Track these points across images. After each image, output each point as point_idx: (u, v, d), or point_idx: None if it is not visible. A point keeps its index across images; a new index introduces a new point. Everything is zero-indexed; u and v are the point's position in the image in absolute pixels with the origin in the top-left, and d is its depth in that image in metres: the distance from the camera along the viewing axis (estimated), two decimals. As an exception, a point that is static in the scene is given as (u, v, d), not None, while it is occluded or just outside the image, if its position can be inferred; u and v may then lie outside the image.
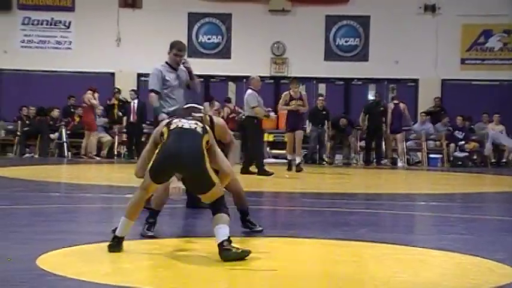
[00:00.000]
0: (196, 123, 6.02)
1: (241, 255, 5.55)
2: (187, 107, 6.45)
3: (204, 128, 6.00)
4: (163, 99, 8.46)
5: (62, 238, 6.39)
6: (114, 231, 6.04)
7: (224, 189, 6.15)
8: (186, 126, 5.97)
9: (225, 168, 6.11)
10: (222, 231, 5.63)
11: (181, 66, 8.69)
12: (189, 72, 8.61)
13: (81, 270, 5.16)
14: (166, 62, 8.62)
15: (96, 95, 18.75)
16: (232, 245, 5.60)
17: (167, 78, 8.45)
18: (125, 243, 6.36)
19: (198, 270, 5.40)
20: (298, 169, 14.29)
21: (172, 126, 5.98)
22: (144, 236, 6.51)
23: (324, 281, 5.20)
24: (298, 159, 14.50)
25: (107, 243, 5.87)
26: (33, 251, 5.69)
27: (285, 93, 14.88)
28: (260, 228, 6.91)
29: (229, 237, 5.62)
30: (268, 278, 5.21)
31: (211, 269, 5.41)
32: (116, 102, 19.48)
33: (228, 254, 5.53)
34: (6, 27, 20.23)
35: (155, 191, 6.38)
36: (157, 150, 5.92)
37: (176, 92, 8.51)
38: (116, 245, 5.88)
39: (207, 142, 5.92)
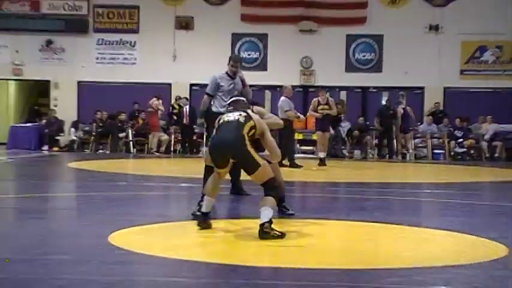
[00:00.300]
0: (239, 114, 6.01)
1: (277, 239, 5.48)
2: (234, 100, 6.44)
3: (247, 116, 5.98)
4: (218, 101, 8.44)
5: (129, 219, 6.44)
6: (194, 214, 6.09)
7: None
8: (231, 118, 5.99)
9: (272, 150, 6.06)
10: (265, 213, 5.56)
11: (238, 76, 8.68)
12: (242, 81, 8.59)
13: (145, 245, 5.21)
14: (226, 72, 8.56)
15: (160, 101, 18.93)
16: (272, 226, 5.57)
17: (221, 84, 8.43)
18: (181, 224, 6.41)
19: (239, 245, 5.41)
20: (322, 164, 14.19)
21: (220, 121, 6.06)
22: (193, 215, 6.53)
23: (344, 255, 5.19)
24: (322, 156, 14.41)
25: (196, 222, 6.02)
26: (106, 229, 5.75)
27: (314, 99, 14.76)
28: (292, 212, 6.89)
29: (270, 219, 5.56)
30: (297, 253, 5.21)
31: (250, 244, 5.42)
32: (177, 107, 19.54)
33: (265, 236, 5.49)
34: (84, 46, 20.44)
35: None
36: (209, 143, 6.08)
37: (228, 97, 8.50)
38: (204, 221, 5.94)
39: (251, 128, 5.89)
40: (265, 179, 5.79)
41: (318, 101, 14.50)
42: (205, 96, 8.52)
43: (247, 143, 5.81)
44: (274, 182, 5.82)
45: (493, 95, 19.85)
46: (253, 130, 5.91)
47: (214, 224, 6.19)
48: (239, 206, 7.98)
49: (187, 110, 19.03)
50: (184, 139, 19.22)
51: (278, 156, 6.15)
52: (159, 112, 19.05)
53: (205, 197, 6.04)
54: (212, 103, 8.46)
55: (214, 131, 6.08)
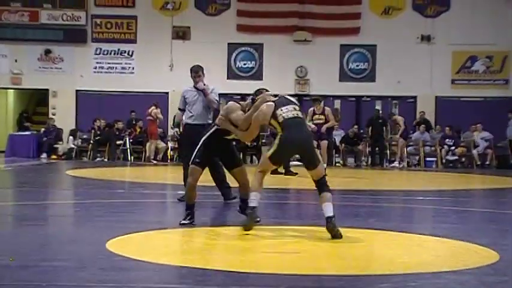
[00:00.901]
0: (294, 108, 6.14)
1: (340, 234, 5.81)
2: (277, 95, 6.48)
3: (299, 105, 6.21)
4: (186, 113, 8.82)
5: (127, 226, 6.43)
6: (181, 223, 6.21)
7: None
8: (294, 114, 6.08)
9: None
10: (329, 208, 5.89)
11: (206, 87, 8.77)
12: (202, 90, 8.70)
13: (143, 252, 5.19)
14: (193, 85, 8.87)
15: (158, 109, 18.89)
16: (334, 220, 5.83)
17: (186, 96, 8.67)
18: (178, 231, 6.39)
19: (235, 252, 5.41)
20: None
21: (280, 119, 6.04)
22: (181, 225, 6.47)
23: (338, 261, 5.18)
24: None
25: (245, 221, 6.05)
26: (103, 236, 5.73)
27: (310, 109, 14.72)
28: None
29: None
30: (292, 259, 5.21)
31: (247, 251, 5.41)
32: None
33: (334, 229, 5.82)
34: (82, 56, 20.44)
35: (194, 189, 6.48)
36: (277, 142, 6.01)
37: (194, 107, 8.67)
38: (253, 213, 6.00)
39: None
40: (322, 174, 6.10)
41: (314, 111, 14.49)
42: (178, 111, 8.98)
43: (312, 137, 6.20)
44: (326, 178, 6.11)
45: (483, 104, 19.92)
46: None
47: (211, 230, 6.18)
48: (237, 214, 7.96)
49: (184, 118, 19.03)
50: (180, 147, 19.19)
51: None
52: (158, 120, 19.03)
53: (253, 193, 6.06)
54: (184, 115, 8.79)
55: (279, 128, 6.02)
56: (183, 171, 8.69)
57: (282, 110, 6.10)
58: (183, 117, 8.89)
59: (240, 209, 6.90)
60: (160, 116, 18.90)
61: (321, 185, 6.06)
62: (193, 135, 8.25)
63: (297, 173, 13.57)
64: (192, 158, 6.52)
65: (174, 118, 9.02)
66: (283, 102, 6.24)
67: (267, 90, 6.58)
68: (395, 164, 18.63)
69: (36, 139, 19.57)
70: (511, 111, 19.08)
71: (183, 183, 8.50)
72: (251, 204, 6.03)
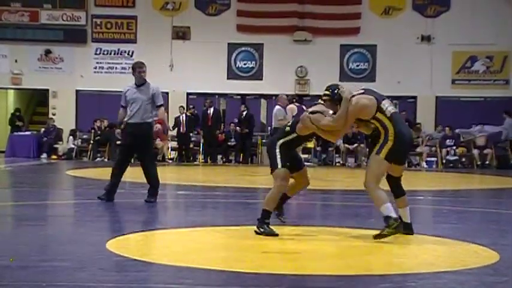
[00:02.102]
0: (390, 102, 6.11)
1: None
2: (366, 88, 6.33)
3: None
4: (127, 111, 8.61)
5: (127, 226, 6.43)
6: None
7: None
8: (394, 109, 6.05)
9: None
10: (408, 212, 6.01)
11: (152, 85, 8.72)
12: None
13: (143, 252, 5.20)
14: (134, 82, 8.65)
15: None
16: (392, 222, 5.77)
17: (126, 94, 8.52)
18: (178, 231, 6.38)
19: (236, 252, 5.41)
20: None
21: (388, 113, 5.93)
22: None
23: (338, 261, 5.18)
24: None
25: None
26: (104, 236, 5.73)
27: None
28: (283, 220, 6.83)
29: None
30: (293, 259, 5.21)
31: (247, 251, 5.42)
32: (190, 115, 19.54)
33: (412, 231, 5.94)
34: (82, 56, 20.45)
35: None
36: (391, 138, 5.80)
37: (134, 105, 8.52)
38: (399, 223, 5.81)
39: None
40: (402, 173, 6.18)
41: None
42: (120, 108, 8.71)
43: None
44: None
45: (483, 103, 19.92)
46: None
47: (212, 230, 6.18)
48: (237, 214, 7.96)
49: (184, 118, 19.05)
50: (181, 147, 19.22)
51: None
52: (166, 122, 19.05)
53: (387, 204, 5.83)
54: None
55: (396, 125, 5.87)
56: (112, 169, 8.62)
57: (384, 105, 5.94)
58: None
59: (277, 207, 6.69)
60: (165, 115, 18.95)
61: (399, 183, 6.08)
62: (132, 134, 8.29)
63: None
64: (280, 162, 6.28)
65: (118, 117, 8.79)
66: (381, 96, 6.08)
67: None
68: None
69: (36, 139, 19.58)
70: (505, 111, 19.16)
71: (184, 183, 8.49)
72: (391, 214, 5.76)
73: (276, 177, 6.26)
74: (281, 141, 6.35)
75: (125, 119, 8.58)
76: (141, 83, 8.56)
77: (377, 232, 5.93)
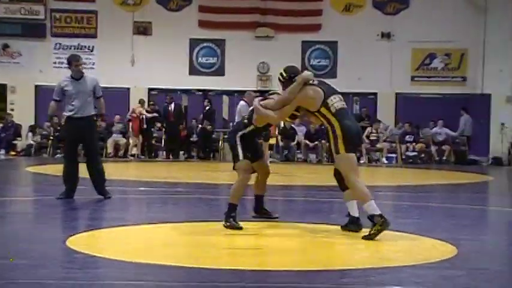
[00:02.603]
0: (340, 99, 6.07)
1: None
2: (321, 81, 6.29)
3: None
4: (66, 105, 8.35)
5: (88, 223, 6.37)
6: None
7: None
8: (341, 105, 5.99)
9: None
10: (356, 206, 6.01)
11: (90, 77, 8.55)
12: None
13: (104, 249, 5.15)
14: (71, 75, 8.39)
15: (143, 108, 18.91)
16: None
17: (66, 88, 8.31)
18: (139, 227, 6.34)
19: (198, 248, 5.40)
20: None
21: (333, 110, 5.90)
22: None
23: (299, 257, 5.21)
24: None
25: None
26: (64, 233, 5.68)
27: None
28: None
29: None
30: (254, 255, 5.22)
31: (209, 247, 5.41)
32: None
33: (361, 227, 5.91)
34: (41, 51, 20.11)
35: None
36: (340, 133, 5.78)
37: (76, 100, 8.33)
38: (385, 220, 5.68)
39: None
40: None
41: None
42: (52, 102, 8.45)
43: None
44: None
45: (442, 100, 20.24)
46: None
47: (174, 227, 6.15)
48: (198, 210, 7.94)
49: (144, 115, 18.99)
50: (143, 143, 19.08)
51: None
52: (142, 117, 18.93)
53: (370, 202, 5.76)
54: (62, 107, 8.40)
55: (340, 117, 5.85)
56: (63, 168, 8.45)
57: (332, 100, 5.93)
58: (65, 111, 8.38)
59: (256, 211, 6.74)
60: (144, 113, 18.86)
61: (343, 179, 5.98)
62: (77, 129, 8.13)
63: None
64: (241, 154, 6.31)
65: (49, 110, 8.58)
66: (332, 90, 6.07)
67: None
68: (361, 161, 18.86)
69: (-4, 135, 19.22)
70: (463, 108, 19.52)
71: (143, 179, 8.43)
72: (375, 212, 5.68)
73: (238, 170, 6.28)
74: (240, 133, 6.41)
75: (66, 113, 8.29)
76: (79, 76, 8.35)
77: (338, 227, 5.95)
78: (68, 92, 8.25)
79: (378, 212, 5.69)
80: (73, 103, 8.28)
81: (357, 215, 5.97)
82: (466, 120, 19.60)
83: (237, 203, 6.24)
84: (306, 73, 6.21)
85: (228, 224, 6.09)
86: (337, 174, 6.07)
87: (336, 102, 5.96)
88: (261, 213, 6.75)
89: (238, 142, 6.36)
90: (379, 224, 5.64)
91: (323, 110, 5.90)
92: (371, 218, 5.70)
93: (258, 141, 6.95)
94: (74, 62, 8.33)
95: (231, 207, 6.19)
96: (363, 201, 5.75)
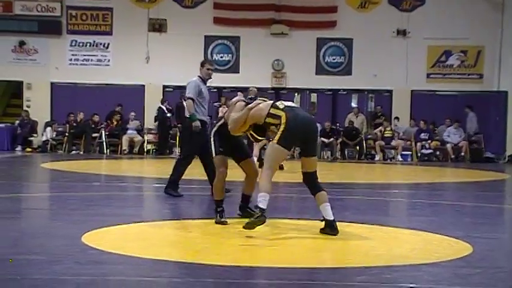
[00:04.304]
0: (292, 102, 6.14)
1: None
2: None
3: None
4: (198, 107, 8.32)
5: (103, 219, 6.39)
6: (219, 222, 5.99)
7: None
8: (292, 104, 6.01)
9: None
10: (330, 209, 5.78)
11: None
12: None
13: (118, 245, 5.17)
14: (199, 76, 8.41)
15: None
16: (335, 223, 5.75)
17: (202, 90, 8.31)
18: (154, 224, 6.37)
19: (212, 245, 5.40)
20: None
21: (281, 106, 5.92)
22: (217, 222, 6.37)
23: (315, 254, 5.21)
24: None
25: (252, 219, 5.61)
26: (79, 230, 5.70)
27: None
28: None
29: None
30: (269, 252, 5.22)
31: (223, 244, 5.42)
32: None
33: (337, 231, 5.71)
34: (57, 48, 20.22)
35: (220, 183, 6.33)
36: (283, 122, 5.74)
37: (205, 103, 8.42)
38: (262, 215, 5.60)
39: None
40: (315, 168, 5.92)
41: None
42: (190, 101, 8.27)
43: None
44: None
45: (457, 97, 20.12)
46: None
47: (188, 223, 6.16)
48: (209, 206, 7.95)
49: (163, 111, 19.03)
50: (164, 140, 19.12)
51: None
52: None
53: (263, 194, 5.68)
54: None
55: (283, 114, 5.82)
56: (182, 170, 8.50)
57: (280, 102, 6.03)
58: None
59: (240, 209, 6.69)
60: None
61: (315, 180, 5.88)
62: (205, 131, 8.01)
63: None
64: (214, 150, 6.39)
65: (189, 109, 8.33)
66: (283, 102, 6.14)
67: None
68: (376, 158, 18.84)
69: (10, 132, 19.36)
70: (468, 106, 19.37)
71: (158, 176, 8.44)
72: (260, 205, 5.62)
73: (215, 166, 6.40)
74: (214, 129, 6.50)
75: (199, 116, 8.25)
76: (207, 79, 8.38)
77: (353, 224, 5.94)
78: (204, 94, 8.27)
79: (264, 207, 5.61)
80: (203, 105, 8.37)
81: (331, 218, 5.81)
82: (472, 117, 19.43)
83: (219, 199, 6.37)
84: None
85: (215, 220, 6.23)
86: (307, 181, 6.01)
87: (284, 102, 6.07)
88: (246, 213, 6.58)
89: (212, 138, 6.44)
90: (255, 216, 5.60)
91: (272, 110, 5.92)
92: (255, 207, 5.69)
93: (243, 141, 6.80)
94: (207, 65, 8.30)
95: (216, 204, 6.38)
96: (262, 190, 5.68)
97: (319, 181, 5.96)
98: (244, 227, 5.58)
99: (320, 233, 5.86)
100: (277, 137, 5.77)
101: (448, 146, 18.96)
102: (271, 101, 6.13)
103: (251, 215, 6.07)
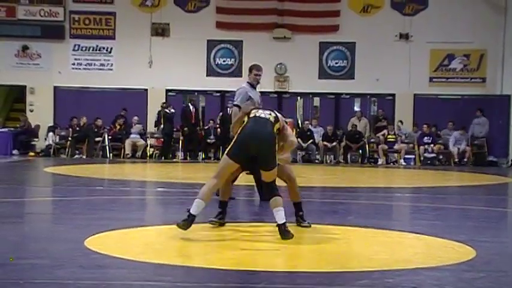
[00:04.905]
0: (270, 114, 6.10)
1: (292, 237, 5.65)
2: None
3: (276, 117, 6.09)
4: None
5: (106, 224, 6.39)
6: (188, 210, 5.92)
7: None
8: (262, 115, 6.06)
9: (290, 142, 6.19)
10: (281, 214, 5.73)
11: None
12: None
13: (122, 249, 5.17)
14: (248, 82, 8.48)
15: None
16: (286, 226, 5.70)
17: (250, 95, 8.36)
18: (157, 228, 6.36)
19: (215, 249, 5.40)
20: None
21: (251, 115, 6.09)
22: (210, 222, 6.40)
23: (318, 258, 5.20)
24: None
25: (179, 223, 5.70)
26: (82, 233, 5.69)
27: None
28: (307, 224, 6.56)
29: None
30: (272, 256, 5.21)
31: (226, 248, 5.41)
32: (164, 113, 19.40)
33: (288, 235, 5.62)
34: (60, 52, 20.25)
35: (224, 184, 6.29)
36: (238, 132, 6.01)
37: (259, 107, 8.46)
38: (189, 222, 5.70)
39: (278, 129, 6.04)
40: (273, 178, 5.94)
41: None
42: (235, 108, 8.35)
43: (276, 141, 5.97)
44: (275, 183, 5.98)
45: (460, 101, 20.10)
46: (278, 131, 6.06)
47: (192, 228, 6.15)
48: (216, 211, 7.94)
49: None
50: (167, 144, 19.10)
51: (294, 143, 6.37)
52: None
53: (199, 200, 5.80)
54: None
55: (245, 122, 6.05)
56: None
57: (258, 111, 6.16)
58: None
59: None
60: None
61: (271, 190, 5.87)
62: None
63: None
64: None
65: (234, 116, 8.38)
66: (263, 109, 6.27)
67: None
68: (379, 161, 18.83)
69: (13, 136, 19.39)
70: (479, 109, 19.33)
71: (162, 180, 8.44)
72: (194, 213, 5.72)
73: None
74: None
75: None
76: (255, 85, 8.42)
77: (355, 228, 5.93)
78: (254, 100, 8.29)
79: (195, 214, 5.73)
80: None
81: (280, 222, 5.72)
82: (484, 122, 19.38)
83: (224, 200, 6.51)
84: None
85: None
86: (260, 186, 6.11)
87: (256, 112, 6.14)
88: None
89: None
90: (182, 219, 5.72)
91: (245, 118, 6.14)
92: (188, 211, 5.77)
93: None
94: (255, 71, 8.34)
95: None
96: (200, 197, 5.82)
97: (276, 189, 5.91)
98: (177, 225, 5.75)
99: (322, 237, 5.85)
100: (229, 147, 6.00)
101: (454, 149, 18.88)
102: (256, 110, 6.22)
103: (213, 221, 6.37)
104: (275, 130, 6.00)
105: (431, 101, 20.06)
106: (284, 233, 5.67)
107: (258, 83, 8.35)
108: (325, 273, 4.58)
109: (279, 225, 5.72)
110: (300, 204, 6.60)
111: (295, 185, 6.60)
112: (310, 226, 6.49)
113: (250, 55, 20.22)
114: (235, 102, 8.30)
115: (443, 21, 19.82)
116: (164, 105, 19.16)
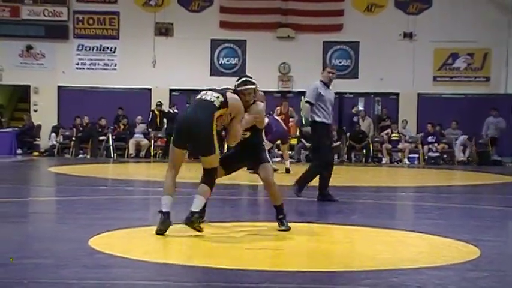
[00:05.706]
0: (217, 97, 5.86)
1: (196, 231, 5.65)
2: (244, 80, 6.35)
3: (223, 102, 5.84)
4: (320, 111, 8.52)
5: (110, 223, 6.40)
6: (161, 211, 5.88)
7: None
8: (207, 98, 5.86)
9: (234, 132, 5.94)
10: (197, 202, 5.73)
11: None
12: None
13: (126, 249, 5.17)
14: (321, 80, 8.50)
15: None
16: (196, 216, 5.68)
17: (322, 93, 8.40)
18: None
19: (219, 248, 5.40)
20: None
21: (197, 96, 5.98)
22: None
23: (320, 257, 5.20)
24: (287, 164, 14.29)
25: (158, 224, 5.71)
26: (86, 233, 5.70)
27: (277, 108, 15.42)
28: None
29: (200, 209, 5.73)
30: (276, 255, 5.21)
31: (230, 247, 5.41)
32: (158, 113, 19.46)
33: (190, 224, 5.67)
34: (64, 52, 20.30)
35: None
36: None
37: (329, 105, 8.54)
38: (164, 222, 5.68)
39: (221, 115, 5.81)
40: (212, 165, 5.83)
41: (280, 110, 14.87)
42: (307, 104, 8.48)
43: (214, 127, 5.75)
44: (215, 172, 5.87)
45: (464, 100, 20.08)
46: (224, 116, 5.84)
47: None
48: (221, 210, 7.96)
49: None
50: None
51: (235, 138, 6.03)
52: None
53: (165, 197, 5.79)
54: (313, 112, 8.49)
55: (188, 107, 5.95)
56: (314, 172, 8.67)
57: (207, 92, 5.95)
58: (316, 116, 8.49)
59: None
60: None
61: (206, 174, 5.83)
62: (331, 134, 8.25)
63: (277, 169, 13.54)
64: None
65: (306, 113, 8.52)
66: (216, 90, 6.07)
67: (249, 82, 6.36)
68: (384, 160, 18.82)
69: (16, 136, 19.43)
70: (493, 108, 19.25)
71: (162, 179, 8.41)
72: (163, 209, 5.72)
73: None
74: None
75: (320, 119, 8.44)
76: (328, 83, 8.49)
77: (359, 228, 5.92)
78: (325, 98, 8.35)
79: (164, 210, 5.72)
80: (326, 108, 8.50)
81: (192, 209, 5.74)
82: (500, 121, 19.23)
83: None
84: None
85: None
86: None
87: (205, 93, 5.95)
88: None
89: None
90: (162, 221, 5.69)
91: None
92: (160, 212, 5.76)
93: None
94: (328, 69, 8.45)
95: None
96: (165, 193, 5.83)
97: (211, 177, 5.87)
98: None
99: (326, 237, 5.85)
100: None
101: (456, 148, 18.86)
102: (205, 92, 6.00)
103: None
104: (216, 115, 5.74)
105: (435, 100, 20.05)
106: (187, 219, 5.66)
107: (331, 80, 8.41)
108: (328, 273, 4.58)
109: (190, 211, 5.69)
110: (279, 207, 6.23)
111: (273, 188, 6.24)
112: (288, 229, 6.13)
113: (254, 55, 20.26)
114: (306, 99, 8.45)
115: (447, 20, 19.80)
116: (159, 103, 19.25)
